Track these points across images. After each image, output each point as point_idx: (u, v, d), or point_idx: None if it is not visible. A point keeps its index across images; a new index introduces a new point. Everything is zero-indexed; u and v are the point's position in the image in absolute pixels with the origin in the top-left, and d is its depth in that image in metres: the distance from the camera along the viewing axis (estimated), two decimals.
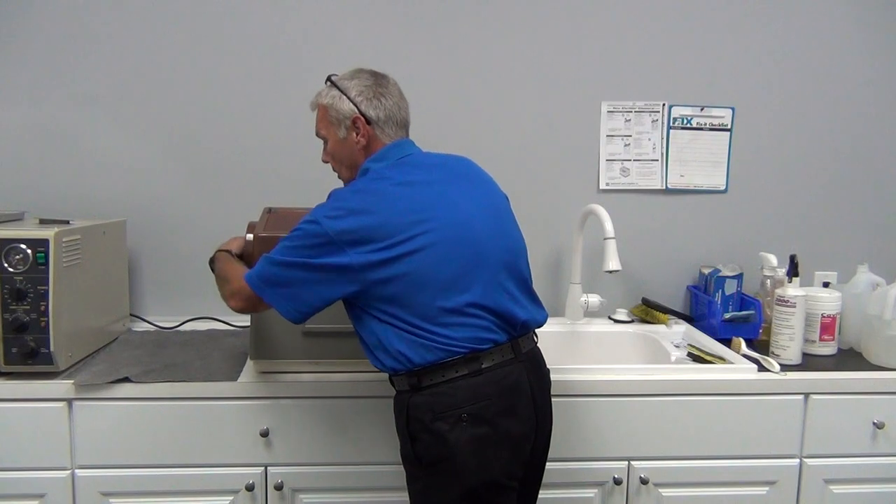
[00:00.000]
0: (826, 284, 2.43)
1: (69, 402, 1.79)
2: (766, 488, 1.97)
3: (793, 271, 2.08)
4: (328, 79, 1.68)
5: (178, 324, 2.31)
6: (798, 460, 1.97)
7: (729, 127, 2.45)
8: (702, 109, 2.44)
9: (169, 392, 1.81)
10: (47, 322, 1.77)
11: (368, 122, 1.61)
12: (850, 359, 2.11)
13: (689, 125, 2.44)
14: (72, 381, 1.78)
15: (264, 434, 1.83)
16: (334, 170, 1.72)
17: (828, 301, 2.11)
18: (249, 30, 2.31)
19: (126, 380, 1.80)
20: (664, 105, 2.42)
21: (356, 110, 1.61)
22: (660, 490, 1.94)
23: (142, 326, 2.30)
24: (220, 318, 2.34)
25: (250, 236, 1.89)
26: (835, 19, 2.45)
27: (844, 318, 2.17)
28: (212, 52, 2.31)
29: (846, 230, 2.52)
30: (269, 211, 2.01)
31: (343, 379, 1.86)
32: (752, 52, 2.43)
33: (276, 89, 2.34)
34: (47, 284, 1.76)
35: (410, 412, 1.52)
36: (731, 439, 1.95)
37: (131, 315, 2.32)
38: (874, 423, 1.96)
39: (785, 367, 2.00)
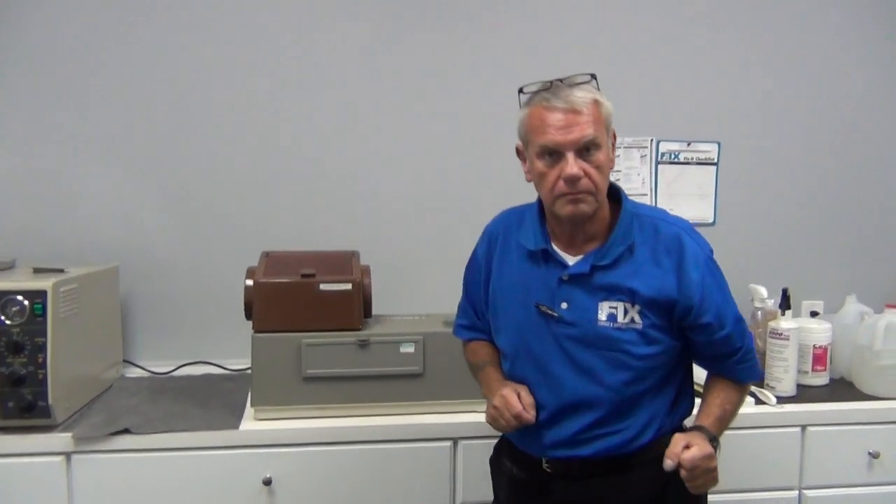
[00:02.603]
0: (814, 314, 2.47)
1: (67, 455, 1.76)
2: None
3: (785, 304, 2.11)
4: (593, 77, 1.39)
5: (172, 369, 2.28)
6: (797, 492, 2.00)
7: (715, 161, 2.50)
8: (688, 144, 2.49)
9: (170, 442, 1.79)
10: (45, 374, 1.74)
11: None
12: (842, 389, 2.15)
13: (676, 160, 2.48)
14: (70, 434, 1.75)
15: (267, 483, 1.81)
16: (588, 187, 1.33)
17: (819, 332, 2.15)
18: (243, 75, 2.31)
19: (126, 431, 1.78)
20: (652, 140, 2.46)
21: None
22: None
23: (135, 372, 2.28)
24: (215, 362, 2.32)
25: (249, 282, 1.89)
26: (817, 55, 2.52)
27: (835, 349, 2.21)
28: (205, 95, 2.31)
29: (832, 260, 2.58)
30: (266, 255, 2.01)
31: (346, 424, 1.86)
32: (737, 88, 2.49)
33: (270, 132, 2.34)
34: (45, 336, 1.74)
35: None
36: (732, 474, 1.95)
37: (124, 361, 2.29)
38: (869, 453, 1.99)
39: (781, 400, 2.03)
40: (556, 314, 1.41)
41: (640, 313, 1.38)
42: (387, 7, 2.34)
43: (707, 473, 1.32)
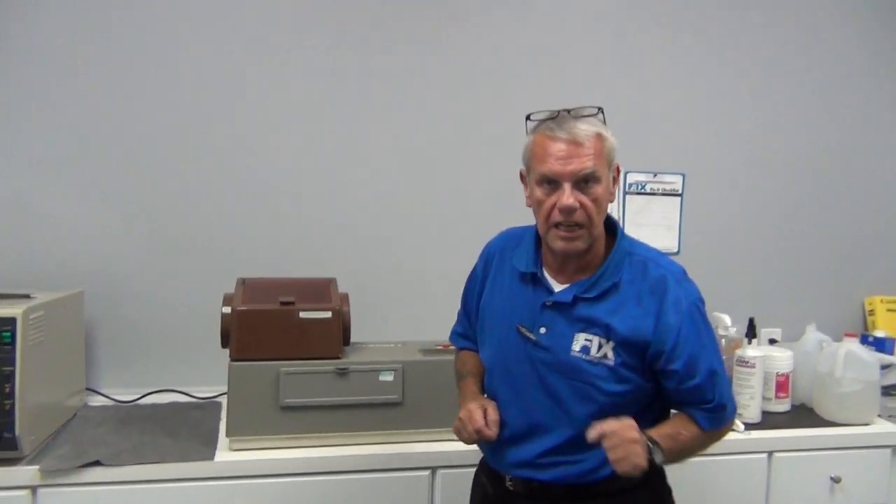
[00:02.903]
0: (772, 342, 2.55)
1: (34, 489, 1.69)
2: None
3: (751, 333, 2.18)
4: (600, 110, 1.41)
5: (137, 397, 2.22)
6: None
7: (680, 192, 2.58)
8: (655, 176, 2.55)
9: (142, 475, 1.74)
10: (12, 405, 1.68)
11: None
12: (803, 415, 2.22)
13: (643, 191, 2.55)
14: (37, 467, 1.69)
15: None
16: (582, 219, 1.35)
17: (782, 360, 2.22)
18: (215, 98, 2.29)
19: (96, 463, 1.72)
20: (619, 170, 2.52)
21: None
22: None
23: (98, 401, 2.20)
24: (182, 390, 2.27)
25: (227, 309, 1.86)
26: (777, 90, 2.63)
27: (795, 376, 2.28)
28: (175, 118, 2.27)
29: (790, 289, 2.67)
30: (243, 282, 1.98)
31: (324, 454, 1.84)
32: (701, 121, 2.58)
33: (242, 156, 2.31)
34: (13, 365, 1.68)
35: (660, 497, 1.50)
36: (700, 499, 2.00)
37: (87, 389, 2.22)
38: (832, 478, 2.06)
39: (747, 426, 2.08)
40: (533, 337, 1.44)
41: (614, 350, 1.39)
42: (361, 34, 2.35)
43: (627, 445, 1.29)
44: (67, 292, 2.04)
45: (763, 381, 2.16)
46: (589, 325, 1.40)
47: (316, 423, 1.86)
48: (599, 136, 1.37)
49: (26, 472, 1.69)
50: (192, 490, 1.76)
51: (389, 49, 2.38)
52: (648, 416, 1.46)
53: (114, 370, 2.28)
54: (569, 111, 1.39)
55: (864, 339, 2.47)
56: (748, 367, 2.13)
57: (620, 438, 1.30)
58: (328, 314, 1.87)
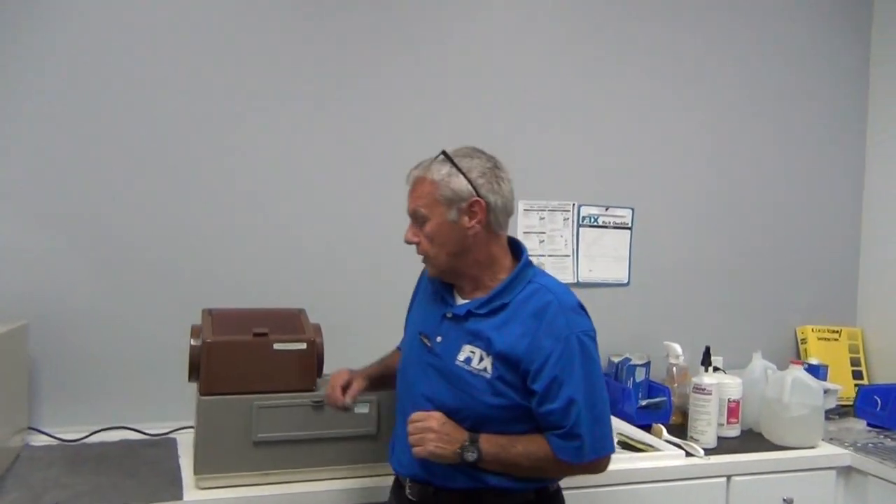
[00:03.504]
0: (716, 369, 2.65)
1: None
2: None
3: (706, 361, 2.26)
4: (442, 153, 1.54)
5: (83, 435, 2.09)
6: None
7: (629, 225, 2.66)
8: (606, 209, 2.64)
9: None
10: None
11: (488, 208, 1.51)
12: (753, 439, 2.31)
13: (595, 223, 2.62)
14: None
15: None
16: (422, 252, 1.56)
17: (733, 387, 2.31)
18: (170, 115, 2.21)
19: None
20: (574, 204, 2.59)
21: (475, 193, 1.49)
22: None
23: (41, 440, 2.06)
24: (132, 427, 2.15)
25: (196, 341, 1.79)
26: (726, 123, 2.78)
27: (743, 402, 2.37)
28: (125, 135, 2.18)
29: (730, 319, 2.79)
30: (209, 312, 1.91)
31: (298, 490, 1.78)
32: (650, 155, 2.69)
33: (197, 180, 2.25)
34: None
35: None
36: None
37: (29, 428, 2.08)
38: (784, 500, 2.15)
39: (705, 452, 2.15)
40: (429, 344, 1.57)
41: (493, 364, 1.48)
42: (326, 57, 2.34)
43: (423, 432, 1.46)
44: (10, 326, 1.91)
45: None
46: (475, 337, 1.51)
47: (290, 458, 1.80)
48: (422, 180, 1.52)
49: None
50: None
51: (356, 73, 2.38)
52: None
53: (56, 407, 2.15)
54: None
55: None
56: (705, 394, 2.21)
57: (420, 426, 1.47)
58: (303, 346, 1.82)
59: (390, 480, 1.82)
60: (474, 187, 1.49)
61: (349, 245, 2.39)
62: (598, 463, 1.50)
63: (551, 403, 1.44)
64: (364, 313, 2.33)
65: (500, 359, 1.47)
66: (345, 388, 1.67)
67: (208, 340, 1.76)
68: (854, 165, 2.97)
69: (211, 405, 1.75)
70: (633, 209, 2.67)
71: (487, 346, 1.49)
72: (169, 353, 2.19)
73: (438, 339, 1.56)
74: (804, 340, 2.85)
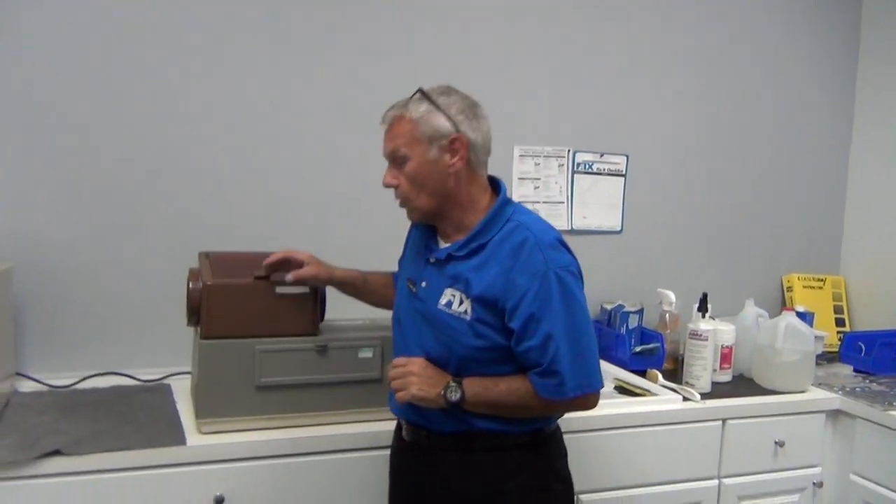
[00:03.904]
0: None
1: None
2: None
3: (703, 308, 2.27)
4: (419, 91, 1.49)
5: (74, 381, 2.03)
6: (717, 481, 2.15)
7: (623, 173, 2.65)
8: (601, 156, 2.61)
9: (107, 463, 1.60)
10: None
11: (469, 145, 1.46)
12: (744, 384, 2.34)
13: (590, 170, 2.60)
14: None
15: (219, 501, 1.67)
16: (402, 195, 1.50)
17: (726, 333, 2.33)
18: (156, 43, 2.12)
19: (57, 452, 1.56)
20: (569, 151, 2.56)
21: (455, 130, 1.45)
22: None
23: (30, 386, 2.00)
24: (124, 373, 2.10)
25: (196, 284, 1.73)
26: (720, 72, 2.75)
27: (735, 348, 2.40)
28: (111, 68, 2.08)
29: (718, 267, 2.81)
30: (207, 256, 1.86)
31: (301, 435, 1.76)
32: (645, 103, 2.66)
33: (186, 120, 2.16)
34: None
35: (546, 464, 1.54)
36: (660, 466, 2.08)
37: (16, 374, 2.01)
38: (776, 442, 2.19)
39: (701, 396, 2.18)
40: (415, 289, 1.56)
41: (472, 306, 1.46)
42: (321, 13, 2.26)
43: (406, 376, 1.47)
44: (2, 266, 1.83)
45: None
46: (455, 280, 1.49)
47: (293, 403, 1.77)
48: (400, 118, 1.47)
49: None
50: (164, 478, 1.63)
51: (355, 17, 2.30)
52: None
53: (44, 352, 2.08)
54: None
55: None
56: (701, 339, 2.23)
57: (402, 371, 1.48)
58: (306, 289, 1.78)
59: (394, 424, 1.82)
60: (454, 124, 1.45)
61: (348, 189, 2.33)
62: (584, 400, 1.47)
63: (529, 341, 1.42)
64: (364, 258, 2.27)
65: (479, 301, 1.45)
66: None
67: (208, 283, 1.71)
68: (842, 117, 2.97)
69: (212, 349, 1.71)
70: (627, 156, 2.65)
71: (466, 289, 1.46)
72: (160, 298, 2.15)
73: (423, 284, 1.54)
74: (790, 288, 2.89)
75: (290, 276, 1.72)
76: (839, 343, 2.70)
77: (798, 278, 2.89)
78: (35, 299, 2.06)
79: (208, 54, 2.17)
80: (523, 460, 1.51)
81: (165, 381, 2.09)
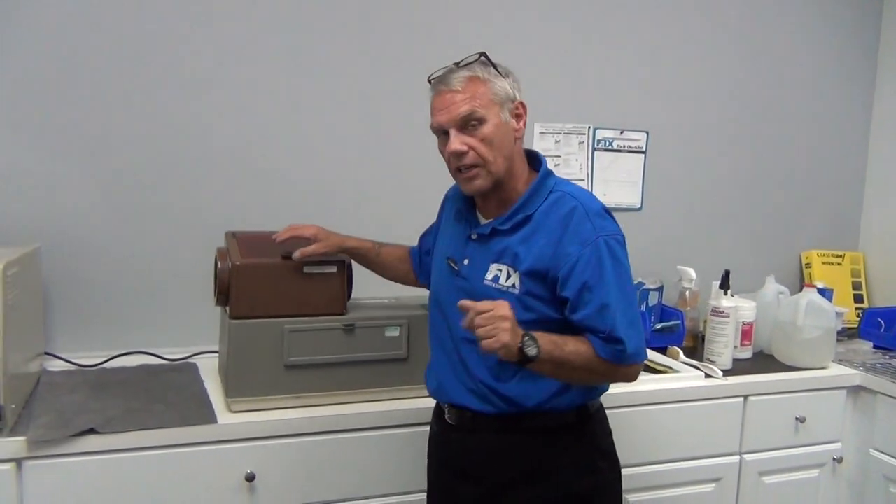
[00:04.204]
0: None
1: (18, 462, 1.54)
2: (713, 485, 2.15)
3: (725, 285, 2.28)
4: (482, 55, 1.46)
5: (101, 361, 2.05)
6: (738, 457, 2.17)
7: (644, 149, 2.64)
8: (621, 133, 2.60)
9: (140, 441, 1.62)
10: None
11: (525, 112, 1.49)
12: (765, 361, 2.35)
13: (610, 147, 2.59)
14: (23, 438, 1.54)
15: (250, 478, 1.69)
16: (474, 160, 1.43)
17: (747, 310, 2.33)
18: (177, 29, 2.11)
19: (91, 431, 1.58)
20: (589, 128, 2.55)
21: (517, 96, 1.47)
22: (627, 497, 2.04)
23: (57, 365, 2.02)
24: (151, 352, 2.12)
25: (225, 264, 1.74)
26: (741, 50, 2.73)
27: (756, 325, 2.40)
28: (133, 52, 2.07)
29: (737, 244, 2.80)
30: (233, 235, 1.87)
31: (329, 413, 1.78)
32: (665, 80, 2.64)
33: (208, 107, 2.16)
34: None
35: (593, 443, 1.55)
36: (684, 442, 2.10)
37: (45, 353, 2.04)
38: (797, 419, 2.21)
39: (723, 373, 2.19)
40: (457, 267, 1.54)
41: (521, 279, 1.45)
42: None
43: (496, 321, 1.32)
44: (27, 248, 1.84)
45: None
46: (501, 255, 1.48)
47: (321, 382, 1.79)
48: (475, 79, 1.43)
49: (10, 445, 1.53)
50: (196, 455, 1.66)
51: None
52: None
53: (71, 332, 2.10)
54: (457, 64, 1.47)
55: None
56: (722, 316, 2.23)
57: (492, 315, 1.33)
58: (333, 269, 1.79)
59: (420, 403, 1.84)
60: (514, 89, 1.47)
61: (370, 168, 2.33)
62: (634, 369, 1.49)
63: (584, 309, 1.41)
64: (386, 235, 2.30)
65: (529, 274, 1.44)
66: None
67: (237, 263, 1.72)
68: (863, 95, 2.95)
69: (242, 328, 1.73)
70: (647, 133, 2.63)
71: (514, 262, 1.45)
72: (185, 277, 2.17)
73: (465, 261, 1.53)
74: (808, 265, 2.88)
75: (296, 254, 1.73)
76: (858, 319, 2.71)
77: (817, 255, 2.88)
78: (62, 279, 2.07)
79: (235, 38, 2.16)
80: (569, 440, 1.51)
81: (192, 360, 2.11)
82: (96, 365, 2.04)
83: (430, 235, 1.78)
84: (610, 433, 1.60)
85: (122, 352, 2.10)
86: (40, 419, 1.63)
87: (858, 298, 2.90)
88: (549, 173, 1.53)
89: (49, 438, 1.55)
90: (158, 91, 2.11)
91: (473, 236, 1.53)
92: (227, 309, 1.76)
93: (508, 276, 1.46)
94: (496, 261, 1.48)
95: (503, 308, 1.35)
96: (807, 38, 2.83)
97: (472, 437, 1.54)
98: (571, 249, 1.41)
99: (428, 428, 1.81)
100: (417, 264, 1.84)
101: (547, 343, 1.39)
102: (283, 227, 1.91)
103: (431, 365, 1.65)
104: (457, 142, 1.42)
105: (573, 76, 2.53)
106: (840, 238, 2.98)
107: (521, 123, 1.48)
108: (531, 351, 1.36)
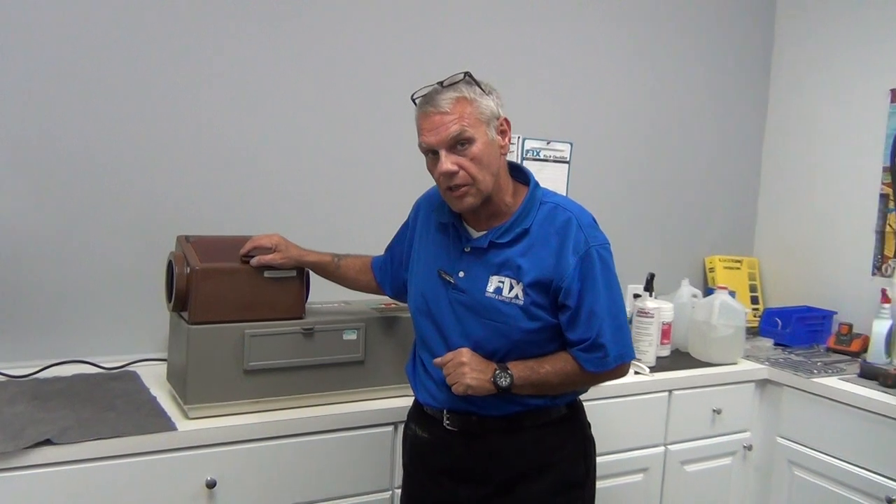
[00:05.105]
0: (637, 296, 2.85)
1: None
2: (641, 475, 2.29)
3: (650, 287, 2.44)
4: (466, 74, 1.50)
5: (34, 371, 1.96)
6: (664, 447, 2.33)
7: (568, 160, 2.77)
8: (548, 143, 2.73)
9: (98, 451, 1.57)
10: None
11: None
12: (682, 358, 2.53)
13: (538, 157, 2.71)
14: None
15: (210, 485, 1.67)
16: (465, 180, 1.46)
17: (666, 311, 2.50)
18: (120, 28, 2.05)
19: (47, 442, 1.52)
20: (519, 137, 2.66)
21: (501, 113, 1.51)
22: None
23: None
24: (87, 360, 2.04)
25: (183, 268, 1.72)
26: (650, 67, 2.93)
27: (673, 324, 2.58)
28: (74, 46, 2.00)
29: (645, 248, 2.99)
30: (187, 239, 1.84)
31: (289, 417, 1.78)
32: (586, 93, 2.80)
33: (156, 96, 2.11)
34: None
35: (583, 432, 1.64)
36: (613, 436, 2.22)
37: None
38: (713, 410, 2.39)
39: (649, 370, 2.34)
40: (452, 280, 1.57)
41: (524, 291, 1.51)
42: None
43: (456, 367, 1.49)
44: None
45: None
46: (502, 267, 1.53)
47: (280, 386, 1.79)
48: (463, 100, 1.46)
49: None
50: (156, 463, 1.62)
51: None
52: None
53: None
54: (441, 83, 1.51)
55: (710, 293, 2.85)
56: (648, 316, 2.39)
57: (452, 365, 1.50)
58: (293, 273, 1.80)
59: (378, 405, 1.89)
60: (498, 107, 1.51)
61: (317, 170, 2.35)
62: (621, 368, 1.57)
63: (578, 317, 1.50)
64: (338, 239, 2.31)
65: (532, 285, 1.50)
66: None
67: (198, 268, 1.70)
68: (756, 114, 3.22)
69: (202, 334, 1.71)
70: (571, 143, 2.77)
71: (517, 274, 1.51)
72: (120, 283, 2.12)
73: (461, 274, 1.56)
74: (712, 269, 3.11)
75: (254, 261, 1.75)
76: (756, 319, 2.95)
77: (719, 259, 3.12)
78: None
79: (175, 33, 2.12)
80: (566, 432, 1.61)
81: (130, 369, 2.05)
82: (28, 375, 1.94)
83: (401, 244, 1.79)
84: (589, 423, 1.70)
85: (56, 361, 2.02)
86: None
87: (755, 300, 3.15)
88: (537, 185, 1.60)
89: (1, 451, 1.48)
90: (94, 90, 2.05)
91: (468, 249, 1.56)
92: (185, 314, 1.73)
93: (511, 288, 1.51)
94: (496, 273, 1.53)
95: (462, 355, 1.50)
96: (704, 59, 3.06)
97: (478, 440, 1.58)
98: (570, 260, 1.49)
99: (388, 428, 1.87)
100: (384, 275, 1.85)
101: (522, 370, 1.51)
102: (231, 232, 1.92)
103: (419, 374, 1.67)
104: (447, 162, 1.46)
105: (504, 88, 2.61)
106: (737, 244, 3.23)
107: (506, 139, 1.53)
108: (503, 382, 1.48)
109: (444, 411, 1.60)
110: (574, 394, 1.64)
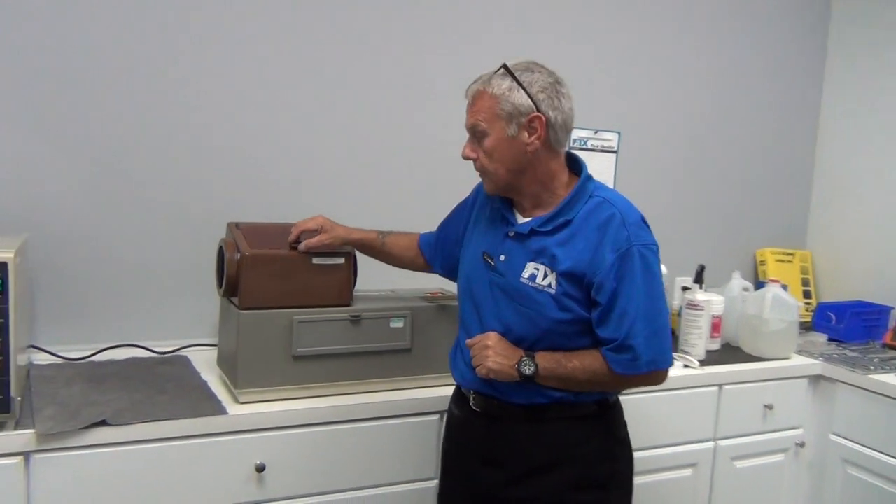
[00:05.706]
0: (686, 288, 2.80)
1: (26, 455, 1.50)
2: (690, 470, 2.26)
3: (699, 279, 2.39)
4: (503, 66, 1.49)
5: (88, 354, 2.00)
6: (713, 443, 2.29)
7: (615, 149, 2.74)
8: (596, 132, 2.69)
9: (151, 433, 1.60)
10: (7, 361, 1.47)
11: (548, 124, 1.48)
12: (732, 352, 2.48)
13: (585, 146, 2.68)
14: (32, 431, 1.50)
15: (260, 469, 1.69)
16: (480, 168, 1.54)
17: (717, 304, 2.46)
18: (167, 17, 2.08)
19: (103, 423, 1.55)
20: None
21: (535, 108, 1.47)
22: None
23: (44, 358, 1.96)
24: (140, 345, 2.08)
25: (234, 255, 1.73)
26: (706, 59, 2.87)
27: (723, 317, 2.53)
28: (124, 42, 2.04)
29: (696, 241, 2.93)
30: (237, 226, 1.86)
31: (336, 403, 1.79)
32: (636, 83, 2.75)
33: (198, 96, 2.13)
34: (6, 316, 1.47)
35: (612, 432, 1.61)
36: (661, 430, 2.20)
37: (29, 346, 1.97)
38: (765, 406, 2.34)
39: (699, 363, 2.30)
40: (493, 263, 1.58)
41: (557, 280, 1.50)
42: None
43: (481, 350, 1.53)
44: (20, 238, 1.78)
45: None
46: (539, 255, 1.52)
47: (327, 372, 1.81)
48: (483, 94, 1.49)
49: (18, 438, 1.49)
50: (206, 446, 1.65)
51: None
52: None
53: (54, 325, 2.04)
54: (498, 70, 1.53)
55: (760, 286, 2.78)
56: (697, 309, 2.35)
57: (478, 347, 1.53)
58: (341, 260, 1.81)
59: (425, 393, 1.89)
60: (535, 102, 1.46)
61: (367, 158, 2.36)
62: (655, 375, 1.53)
63: (609, 315, 1.47)
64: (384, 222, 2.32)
65: (566, 275, 1.48)
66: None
67: (248, 254, 1.72)
68: (811, 101, 3.13)
69: (252, 319, 1.72)
70: (619, 133, 2.74)
71: (552, 263, 1.50)
72: (173, 270, 2.15)
73: (502, 257, 1.56)
74: (763, 262, 3.05)
75: (301, 246, 1.77)
76: (809, 313, 2.88)
77: (770, 252, 3.05)
78: (46, 271, 2.01)
79: (226, 23, 2.14)
80: (591, 429, 1.57)
81: (181, 353, 2.08)
82: (83, 358, 1.99)
83: (456, 224, 1.78)
84: (625, 424, 1.66)
85: (109, 345, 2.06)
86: (44, 412, 1.59)
87: (807, 294, 3.08)
88: (589, 178, 1.57)
89: (59, 431, 1.51)
90: (149, 83, 2.08)
91: (511, 234, 1.57)
92: (235, 300, 1.75)
93: (545, 276, 1.50)
94: (533, 259, 1.52)
95: (488, 338, 1.53)
96: (762, 50, 2.99)
97: (498, 424, 1.58)
98: (607, 256, 1.46)
99: (435, 417, 1.86)
100: (434, 252, 1.84)
101: (549, 361, 1.50)
102: (279, 218, 1.93)
103: (457, 352, 1.67)
104: (466, 148, 1.55)
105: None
106: (790, 237, 3.15)
107: (534, 137, 1.48)
108: (527, 370, 1.49)
109: (472, 392, 1.62)
110: (604, 393, 1.60)
